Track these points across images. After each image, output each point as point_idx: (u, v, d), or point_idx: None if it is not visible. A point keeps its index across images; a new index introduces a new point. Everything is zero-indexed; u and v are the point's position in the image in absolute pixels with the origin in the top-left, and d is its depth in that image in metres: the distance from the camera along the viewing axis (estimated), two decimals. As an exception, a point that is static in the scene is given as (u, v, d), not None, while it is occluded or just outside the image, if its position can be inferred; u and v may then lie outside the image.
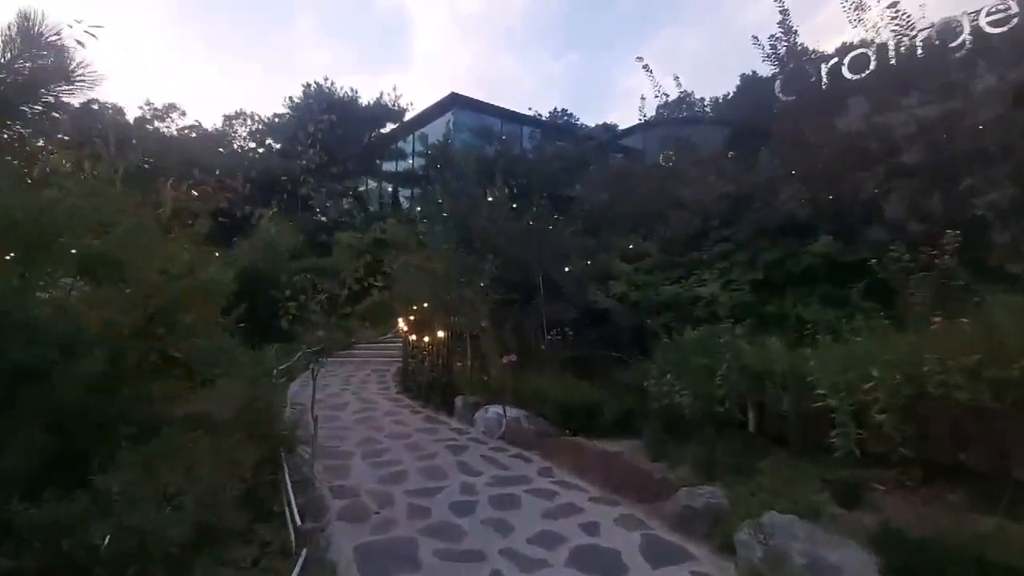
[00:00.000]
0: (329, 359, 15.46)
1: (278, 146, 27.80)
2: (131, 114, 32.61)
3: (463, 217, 11.87)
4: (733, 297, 8.75)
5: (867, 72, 8.49)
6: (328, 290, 17.54)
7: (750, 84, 22.32)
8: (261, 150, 29.36)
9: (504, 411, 8.01)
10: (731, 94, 24.45)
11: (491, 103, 26.15)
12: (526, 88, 63.83)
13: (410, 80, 69.03)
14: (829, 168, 8.43)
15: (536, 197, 13.12)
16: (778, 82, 10.14)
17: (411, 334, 11.87)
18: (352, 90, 26.77)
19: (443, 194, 14.51)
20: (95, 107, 34.79)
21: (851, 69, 8.66)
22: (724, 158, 11.85)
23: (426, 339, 10.54)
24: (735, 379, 5.77)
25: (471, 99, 25.60)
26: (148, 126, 36.46)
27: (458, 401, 9.28)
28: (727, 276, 9.37)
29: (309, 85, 27.18)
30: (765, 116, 11.88)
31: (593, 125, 31.94)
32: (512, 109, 26.21)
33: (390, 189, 29.79)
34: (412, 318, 12.24)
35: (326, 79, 26.38)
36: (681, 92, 19.79)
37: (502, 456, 6.99)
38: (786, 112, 10.10)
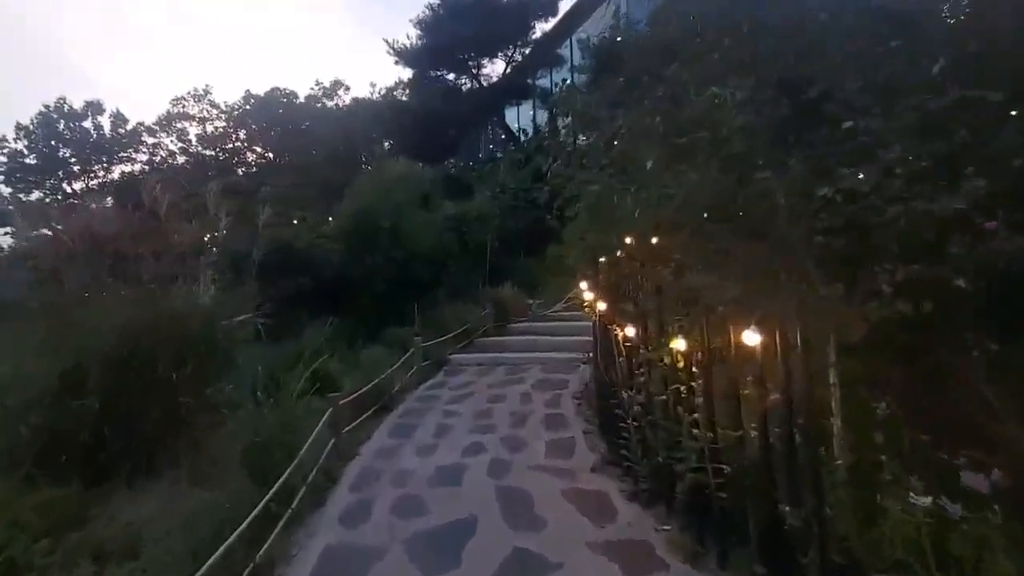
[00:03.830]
0: (465, 355, 9.30)
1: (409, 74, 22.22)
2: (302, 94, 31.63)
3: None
4: None
5: None
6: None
7: None
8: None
9: None
10: None
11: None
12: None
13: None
14: None
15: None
16: None
17: (612, 318, 4.85)
18: (490, -17, 19.99)
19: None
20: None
21: None
22: None
23: (680, 345, 3.39)
24: None
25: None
26: (317, 104, 35.03)
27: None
28: None
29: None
30: None
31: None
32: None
33: (546, 116, 22.95)
34: (610, 279, 5.30)
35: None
36: None
37: None
38: None
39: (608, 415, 5.08)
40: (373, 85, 42.37)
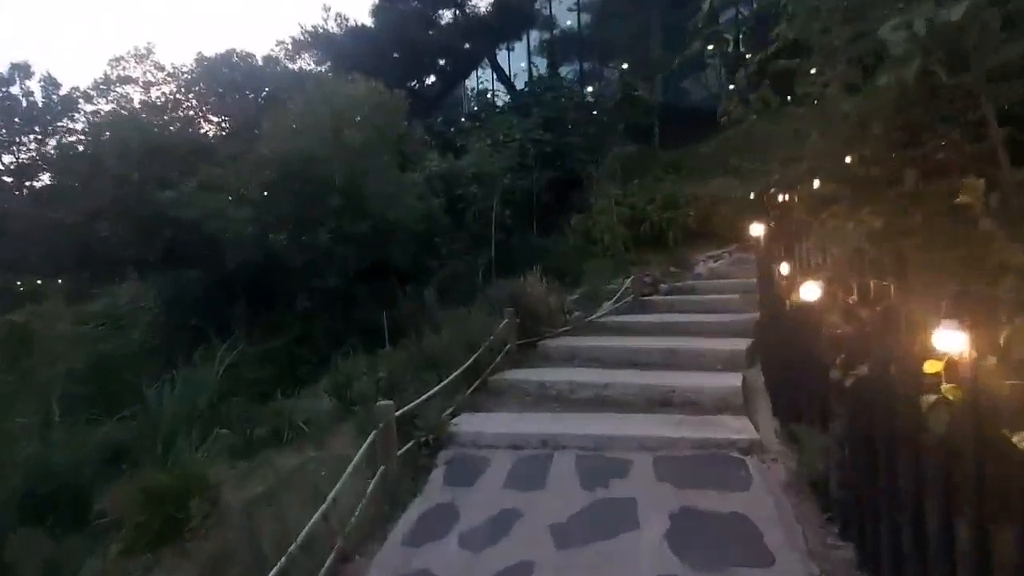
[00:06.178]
0: (482, 421, 4.84)
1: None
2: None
3: None
4: None
5: None
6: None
7: None
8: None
9: None
10: None
11: None
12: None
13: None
14: None
15: None
16: None
17: None
18: None
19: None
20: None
21: None
22: None
23: None
24: None
25: None
26: (276, 67, 29.85)
27: None
28: None
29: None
30: None
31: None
32: None
33: (545, 65, 18.39)
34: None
35: None
36: None
37: None
38: None
39: None
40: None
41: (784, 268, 3.25)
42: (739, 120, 4.31)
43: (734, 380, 4.56)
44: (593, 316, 7.10)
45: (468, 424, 4.37)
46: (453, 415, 4.58)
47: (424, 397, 4.22)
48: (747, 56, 17.52)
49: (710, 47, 18.26)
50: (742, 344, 5.25)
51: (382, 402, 3.64)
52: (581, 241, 10.24)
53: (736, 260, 8.91)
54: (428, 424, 4.11)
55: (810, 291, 2.54)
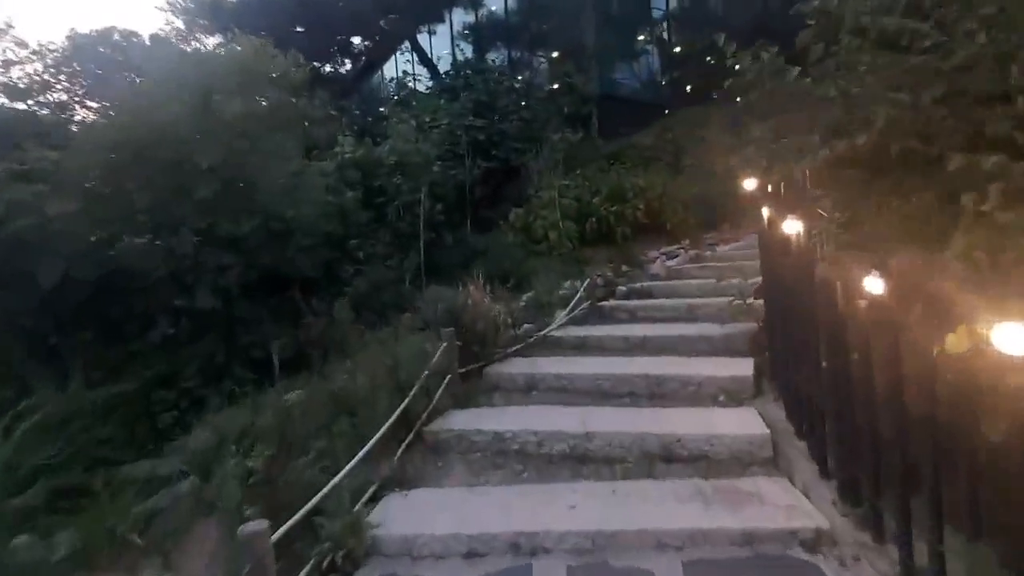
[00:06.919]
0: (413, 508, 3.07)
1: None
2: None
3: None
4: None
5: None
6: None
7: None
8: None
9: None
10: None
11: None
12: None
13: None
14: None
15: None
16: None
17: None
18: None
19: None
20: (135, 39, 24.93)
21: None
22: None
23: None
24: None
25: None
26: (169, 48, 26.03)
27: None
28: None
29: None
30: None
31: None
32: None
33: (472, 51, 17.01)
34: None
35: None
36: None
37: None
38: None
39: None
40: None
41: (874, 284, 2.09)
42: (756, 82, 3.18)
43: (752, 421, 3.45)
44: (547, 329, 5.83)
45: (399, 517, 2.92)
46: (375, 497, 3.14)
47: (330, 485, 2.73)
48: (676, 49, 16.94)
49: (641, 37, 17.52)
50: (743, 367, 4.18)
51: (251, 524, 2.12)
52: (521, 238, 9.00)
53: (693, 257, 8.03)
54: (335, 530, 2.63)
55: (1013, 337, 1.37)
